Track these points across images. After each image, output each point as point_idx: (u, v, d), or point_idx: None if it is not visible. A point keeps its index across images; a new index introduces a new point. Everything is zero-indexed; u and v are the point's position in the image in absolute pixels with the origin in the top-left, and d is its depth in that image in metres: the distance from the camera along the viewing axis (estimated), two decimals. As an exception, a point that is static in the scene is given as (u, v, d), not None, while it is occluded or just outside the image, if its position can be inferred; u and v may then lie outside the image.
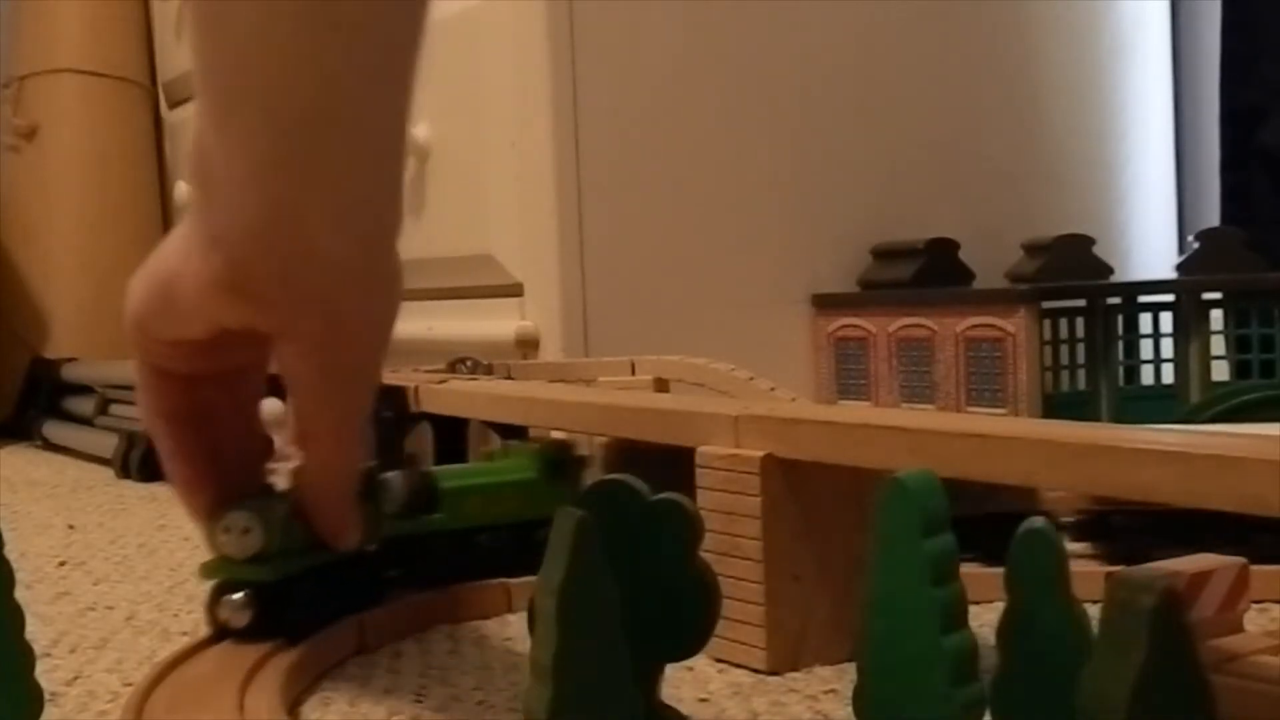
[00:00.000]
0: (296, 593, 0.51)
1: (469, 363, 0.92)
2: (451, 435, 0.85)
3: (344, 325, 0.44)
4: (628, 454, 0.70)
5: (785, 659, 0.52)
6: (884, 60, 1.18)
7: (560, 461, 0.68)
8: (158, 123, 1.86)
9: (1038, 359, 0.97)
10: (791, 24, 1.12)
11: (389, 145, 0.44)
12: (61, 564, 0.80)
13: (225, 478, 0.51)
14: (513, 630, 0.60)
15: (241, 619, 0.50)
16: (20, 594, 0.37)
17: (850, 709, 0.32)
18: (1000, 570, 0.28)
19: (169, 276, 0.45)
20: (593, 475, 0.70)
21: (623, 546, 0.33)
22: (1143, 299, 1.03)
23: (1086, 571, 0.55)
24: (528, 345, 1.04)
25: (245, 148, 0.40)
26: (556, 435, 0.73)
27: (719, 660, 0.53)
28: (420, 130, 1.16)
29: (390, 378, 0.88)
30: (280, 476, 0.53)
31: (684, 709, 0.35)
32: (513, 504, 0.66)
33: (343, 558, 0.53)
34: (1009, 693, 0.28)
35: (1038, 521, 0.28)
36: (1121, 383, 1.01)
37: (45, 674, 0.44)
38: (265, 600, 0.50)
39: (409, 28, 0.42)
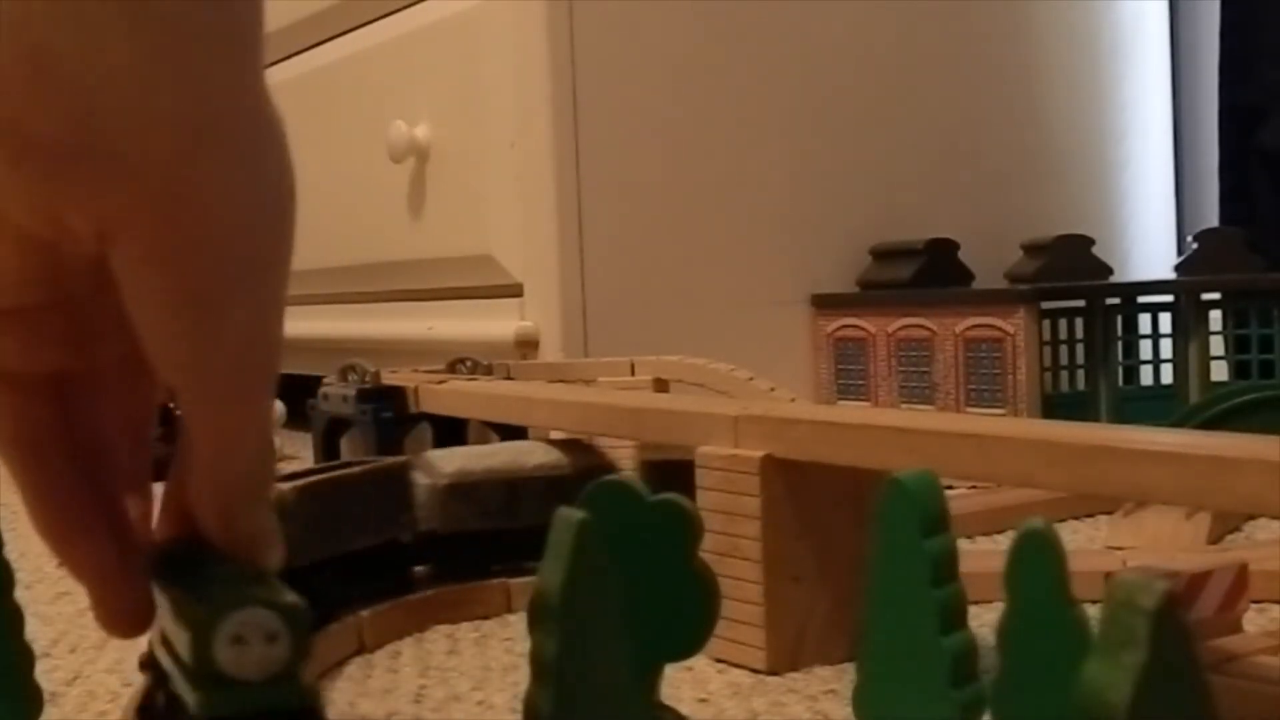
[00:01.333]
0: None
1: (469, 363, 0.93)
2: (451, 435, 0.85)
3: (186, 203, 0.28)
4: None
5: (785, 659, 0.52)
6: (884, 60, 1.18)
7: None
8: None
9: (1037, 359, 0.97)
10: (791, 24, 1.12)
11: None
12: (61, 564, 0.80)
13: (125, 542, 0.36)
14: (513, 630, 0.60)
15: None
16: (20, 594, 0.37)
17: (850, 709, 0.32)
18: (999, 570, 0.28)
19: None
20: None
21: (623, 546, 0.33)
22: (1142, 299, 1.03)
23: (1087, 571, 0.55)
24: (527, 345, 1.04)
25: None
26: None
27: (719, 660, 0.53)
28: (420, 130, 1.16)
29: (390, 378, 0.88)
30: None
31: (684, 709, 0.35)
32: None
33: None
34: (1009, 693, 0.28)
35: (1038, 521, 0.28)
36: (1121, 383, 1.01)
37: (45, 674, 0.44)
38: None
39: None
